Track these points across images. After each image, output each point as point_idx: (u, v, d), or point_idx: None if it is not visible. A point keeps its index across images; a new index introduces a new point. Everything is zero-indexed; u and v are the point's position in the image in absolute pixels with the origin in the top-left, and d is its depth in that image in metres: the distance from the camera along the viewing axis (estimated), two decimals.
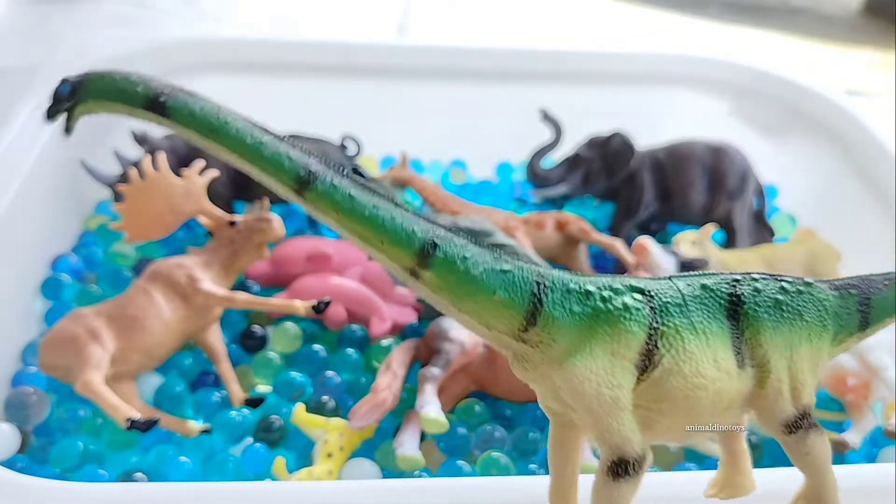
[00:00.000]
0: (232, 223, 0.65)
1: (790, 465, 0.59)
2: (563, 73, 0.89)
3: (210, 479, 0.55)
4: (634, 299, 0.34)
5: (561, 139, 0.83)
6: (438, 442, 0.58)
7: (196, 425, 0.58)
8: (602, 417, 0.33)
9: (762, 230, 0.80)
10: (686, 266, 0.68)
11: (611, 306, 0.34)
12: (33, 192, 0.67)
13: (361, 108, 0.87)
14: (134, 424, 0.52)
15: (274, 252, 0.71)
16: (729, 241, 0.78)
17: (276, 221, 0.66)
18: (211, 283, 0.62)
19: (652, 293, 0.34)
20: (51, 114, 0.33)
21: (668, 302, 0.34)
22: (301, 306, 0.62)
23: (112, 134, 0.78)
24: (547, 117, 0.83)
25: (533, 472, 0.56)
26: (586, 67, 0.89)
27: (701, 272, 0.37)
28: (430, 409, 0.55)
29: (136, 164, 0.68)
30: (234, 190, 0.76)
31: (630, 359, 0.33)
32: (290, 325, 0.66)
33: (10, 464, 0.54)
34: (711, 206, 0.78)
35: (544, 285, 0.33)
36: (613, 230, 0.80)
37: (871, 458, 0.62)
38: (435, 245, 0.33)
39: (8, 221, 0.62)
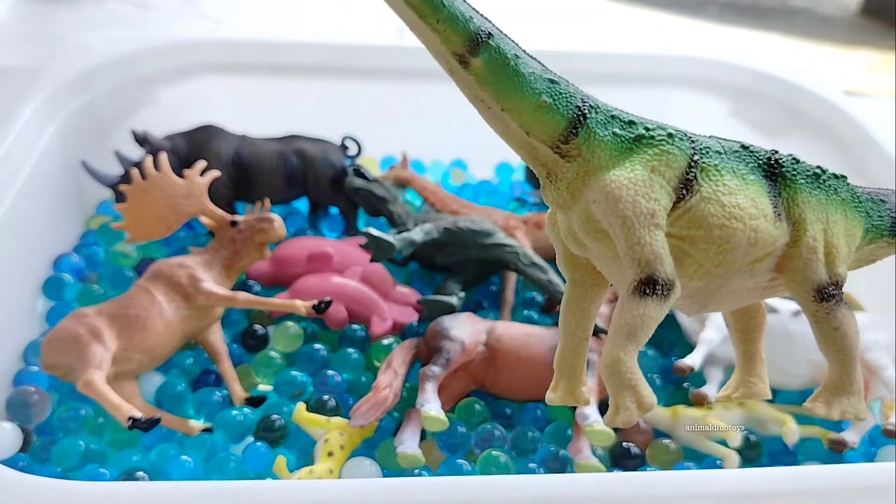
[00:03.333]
0: (233, 223, 0.66)
1: (790, 464, 0.60)
2: (563, 74, 0.89)
3: (211, 478, 0.55)
4: (677, 132, 0.34)
5: None
6: (438, 440, 0.58)
7: (197, 424, 0.58)
8: (636, 229, 0.32)
9: None
10: None
11: (654, 133, 0.34)
12: (35, 191, 0.67)
13: (361, 108, 0.87)
14: (136, 424, 0.52)
15: (275, 252, 0.71)
16: None
17: (278, 221, 0.66)
18: (212, 283, 0.62)
19: (693, 138, 0.35)
20: None
21: (710, 147, 0.34)
22: (302, 306, 0.62)
23: (113, 134, 0.78)
24: None
25: (533, 471, 0.56)
26: (586, 68, 0.89)
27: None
28: (431, 407, 0.55)
29: (138, 165, 0.68)
30: (236, 190, 0.76)
31: (669, 179, 0.33)
32: (290, 324, 0.66)
33: (11, 463, 0.55)
34: None
35: (590, 105, 0.34)
36: None
37: (870, 458, 0.62)
38: (490, 34, 0.32)
39: (10, 221, 0.62)
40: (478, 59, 0.32)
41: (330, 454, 0.55)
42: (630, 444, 0.59)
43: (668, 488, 0.45)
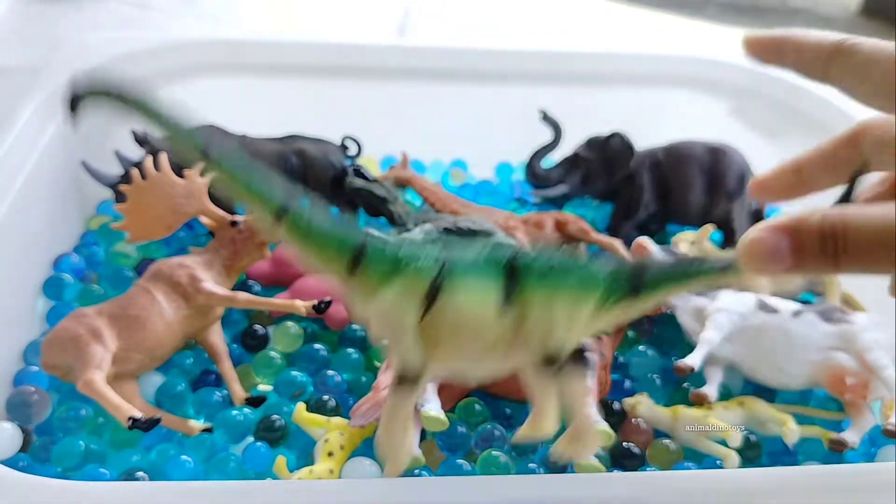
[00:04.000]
0: (233, 223, 0.66)
1: (790, 464, 0.60)
2: (562, 74, 0.90)
3: (211, 479, 0.55)
4: (431, 257, 0.43)
5: (560, 139, 0.83)
6: (438, 440, 0.58)
7: (197, 424, 0.58)
8: (393, 336, 0.42)
9: None
10: None
11: (409, 261, 0.42)
12: (35, 191, 0.67)
13: (361, 108, 0.87)
14: (136, 424, 0.52)
15: (275, 251, 0.71)
16: (727, 242, 0.79)
17: None
18: (212, 283, 0.62)
19: (444, 259, 0.43)
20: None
21: (459, 257, 0.43)
22: (302, 306, 0.62)
23: (113, 135, 0.78)
24: (546, 118, 0.83)
25: (533, 471, 0.56)
26: (586, 68, 0.90)
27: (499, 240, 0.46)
28: (431, 407, 0.55)
29: (138, 165, 0.68)
30: None
31: (418, 295, 0.42)
32: (291, 324, 0.66)
33: (11, 463, 0.55)
34: (710, 206, 0.79)
35: (368, 241, 0.43)
36: (612, 230, 0.80)
37: (870, 458, 0.62)
38: (286, 209, 0.43)
39: (9, 221, 0.62)
40: (284, 221, 0.42)
41: (330, 454, 0.55)
42: (630, 444, 0.59)
43: (668, 488, 0.45)
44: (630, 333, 0.70)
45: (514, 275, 0.42)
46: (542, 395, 0.47)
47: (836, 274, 0.38)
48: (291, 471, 0.55)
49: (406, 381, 0.43)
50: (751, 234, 0.35)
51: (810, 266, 0.34)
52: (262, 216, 0.43)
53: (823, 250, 0.34)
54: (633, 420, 0.61)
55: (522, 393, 0.61)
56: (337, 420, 0.57)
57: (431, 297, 0.42)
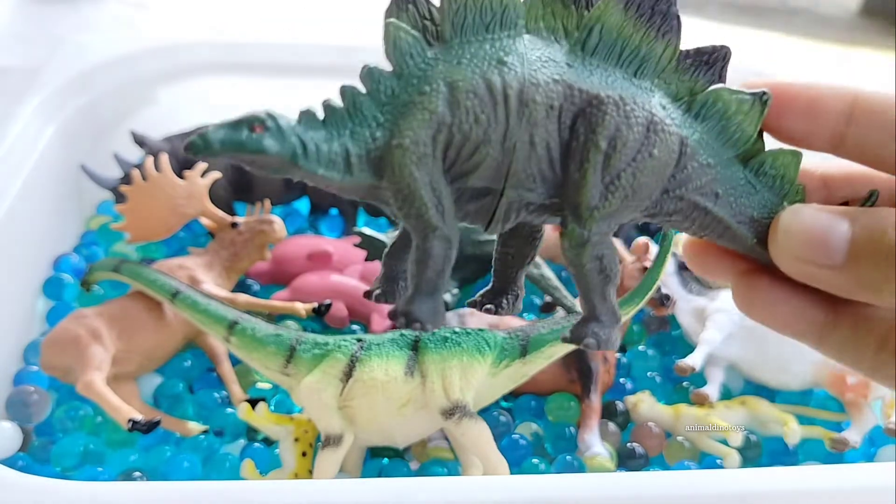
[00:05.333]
0: (233, 224, 0.66)
1: (790, 464, 0.60)
2: None
3: (209, 479, 0.55)
4: (349, 344, 0.53)
5: None
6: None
7: (196, 426, 0.58)
8: (317, 412, 0.52)
9: None
10: (685, 265, 0.68)
11: (330, 349, 0.53)
12: (35, 191, 0.67)
13: None
14: (135, 426, 0.52)
15: (275, 250, 0.71)
16: None
17: (278, 223, 0.66)
18: (212, 285, 0.62)
19: (365, 339, 0.54)
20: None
21: (373, 341, 0.53)
22: (302, 308, 0.62)
23: (112, 137, 0.78)
24: None
25: (534, 467, 0.56)
26: None
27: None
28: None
29: (138, 166, 0.68)
30: (236, 191, 0.76)
31: (337, 373, 0.52)
32: (291, 324, 0.66)
33: (11, 462, 0.55)
34: None
35: (298, 342, 0.54)
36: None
37: (871, 458, 0.62)
38: (236, 322, 0.56)
39: (10, 221, 0.62)
40: (233, 337, 0.55)
41: (304, 454, 0.54)
42: (635, 444, 0.59)
43: (668, 488, 0.45)
44: (635, 328, 0.70)
45: (416, 347, 0.53)
46: (459, 451, 0.55)
47: (883, 297, 0.25)
48: (263, 474, 0.55)
49: (331, 442, 0.51)
50: (799, 212, 0.26)
51: (865, 272, 0.24)
52: (216, 332, 0.56)
53: (895, 256, 0.24)
54: (647, 424, 0.60)
55: (523, 388, 0.61)
56: (300, 416, 0.56)
57: (349, 371, 0.52)
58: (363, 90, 0.26)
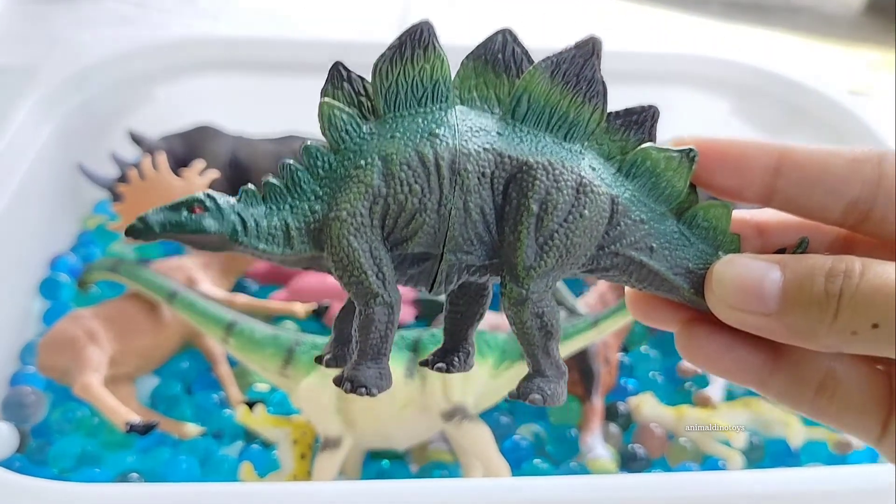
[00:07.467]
0: None
1: (792, 466, 0.60)
2: None
3: (207, 481, 0.55)
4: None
5: None
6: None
7: (193, 428, 0.58)
8: (315, 414, 0.53)
9: None
10: None
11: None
12: (32, 191, 0.66)
13: None
14: (133, 428, 0.52)
15: None
16: None
17: None
18: (210, 285, 0.62)
19: None
20: None
21: None
22: (301, 309, 0.61)
23: (109, 135, 0.77)
24: None
25: (536, 468, 0.56)
26: None
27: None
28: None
29: (136, 165, 0.67)
30: (234, 191, 0.75)
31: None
32: (289, 324, 0.65)
33: (7, 464, 0.54)
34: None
35: (296, 343, 0.54)
36: None
37: (873, 458, 0.62)
38: (234, 323, 0.56)
39: (6, 221, 0.62)
40: (231, 338, 0.55)
41: (303, 456, 0.54)
42: (637, 446, 0.58)
43: (670, 490, 0.45)
44: (637, 329, 0.69)
45: (416, 349, 0.53)
46: (459, 453, 0.55)
47: (817, 341, 0.25)
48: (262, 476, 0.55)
49: (329, 445, 0.52)
50: (733, 261, 0.27)
51: (798, 318, 0.25)
52: (214, 333, 0.56)
53: (825, 301, 0.25)
54: (649, 425, 0.60)
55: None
56: (298, 418, 0.56)
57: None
58: (300, 166, 0.27)
